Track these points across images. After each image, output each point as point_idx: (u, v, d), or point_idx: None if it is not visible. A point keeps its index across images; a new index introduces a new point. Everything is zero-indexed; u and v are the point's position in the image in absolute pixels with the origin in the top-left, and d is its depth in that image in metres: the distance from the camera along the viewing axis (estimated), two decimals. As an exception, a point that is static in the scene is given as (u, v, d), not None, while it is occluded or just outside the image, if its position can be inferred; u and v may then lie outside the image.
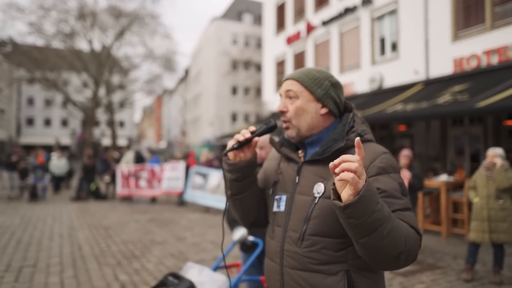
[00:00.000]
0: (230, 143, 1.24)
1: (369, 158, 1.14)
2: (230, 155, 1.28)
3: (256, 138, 1.26)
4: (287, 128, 1.27)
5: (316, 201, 1.16)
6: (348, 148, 1.17)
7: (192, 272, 2.32)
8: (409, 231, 1.03)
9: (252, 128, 1.26)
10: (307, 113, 1.23)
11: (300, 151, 1.31)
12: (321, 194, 1.16)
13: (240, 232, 2.48)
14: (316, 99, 1.23)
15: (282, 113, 1.26)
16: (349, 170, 0.90)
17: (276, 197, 1.30)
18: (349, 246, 1.13)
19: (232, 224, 2.62)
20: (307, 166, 1.24)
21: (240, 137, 1.23)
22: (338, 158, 0.93)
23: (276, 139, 1.52)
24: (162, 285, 2.14)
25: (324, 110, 1.24)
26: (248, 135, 1.23)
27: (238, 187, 1.31)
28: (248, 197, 1.34)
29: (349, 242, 1.12)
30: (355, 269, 1.14)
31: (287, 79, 1.27)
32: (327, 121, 1.26)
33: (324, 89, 1.23)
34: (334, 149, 1.16)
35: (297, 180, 1.24)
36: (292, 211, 1.22)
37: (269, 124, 1.26)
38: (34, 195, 11.47)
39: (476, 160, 9.83)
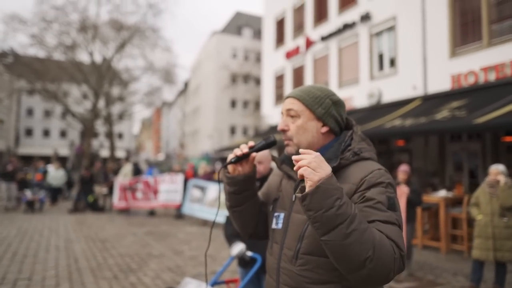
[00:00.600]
0: (230, 157, 1.27)
1: (361, 174, 1.14)
2: (229, 168, 1.31)
3: (254, 154, 1.28)
4: (287, 145, 1.28)
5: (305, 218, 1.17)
6: (342, 167, 1.18)
7: (190, 287, 2.30)
8: (383, 242, 1.00)
9: (251, 143, 1.28)
10: (308, 132, 1.24)
11: None
12: None
13: (239, 247, 2.47)
14: (316, 118, 1.24)
15: (283, 131, 1.28)
16: (302, 165, 1.00)
17: (275, 214, 1.33)
18: None
19: (231, 239, 2.61)
20: (304, 185, 1.25)
21: (238, 151, 1.26)
22: (296, 156, 1.02)
23: (276, 154, 1.55)
24: (161, 300, 2.11)
25: (325, 129, 1.25)
26: (246, 150, 1.26)
27: (236, 199, 1.34)
28: (247, 210, 1.37)
29: None
30: None
31: (288, 97, 1.29)
32: (327, 139, 1.27)
33: (324, 108, 1.24)
34: None
35: (293, 199, 1.27)
36: (288, 229, 1.24)
37: (268, 140, 1.28)
38: (31, 207, 11.39)
39: (474, 176, 9.84)
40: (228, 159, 1.27)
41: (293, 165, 1.32)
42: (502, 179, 4.42)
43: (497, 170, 4.52)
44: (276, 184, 1.40)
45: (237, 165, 1.29)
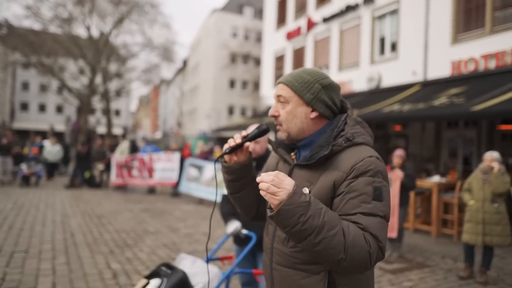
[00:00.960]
0: (225, 147, 1.31)
1: (352, 161, 1.15)
2: (226, 157, 1.35)
3: (247, 143, 1.31)
4: (278, 130, 1.30)
5: None
6: (335, 154, 1.18)
7: (185, 263, 2.35)
8: (356, 241, 1.04)
9: (244, 133, 1.31)
10: (296, 118, 1.24)
11: (293, 153, 1.35)
12: None
13: (234, 225, 2.51)
14: (305, 103, 1.23)
15: (274, 117, 1.29)
16: (262, 190, 1.04)
17: None
18: None
19: (226, 217, 2.65)
20: (297, 170, 1.27)
21: (231, 142, 1.29)
22: (258, 178, 1.06)
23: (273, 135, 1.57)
24: (155, 275, 2.16)
25: (314, 114, 1.24)
26: (239, 140, 1.29)
27: (235, 187, 1.39)
28: (246, 195, 1.41)
29: None
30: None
31: (279, 82, 1.28)
32: (319, 124, 1.26)
33: (313, 93, 1.22)
34: (319, 156, 1.17)
35: None
36: None
37: (261, 128, 1.32)
38: (26, 181, 11.43)
39: (468, 162, 9.94)
40: (224, 149, 1.31)
41: (289, 149, 1.35)
42: (496, 165, 4.48)
43: (491, 157, 4.57)
44: (273, 167, 1.42)
45: (232, 154, 1.33)
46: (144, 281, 2.13)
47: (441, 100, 8.12)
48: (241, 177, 1.36)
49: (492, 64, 8.74)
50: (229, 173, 1.35)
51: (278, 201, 1.02)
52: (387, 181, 1.18)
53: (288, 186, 1.03)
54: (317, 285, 1.15)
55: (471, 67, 9.19)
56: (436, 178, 7.41)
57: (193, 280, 2.18)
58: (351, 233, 1.05)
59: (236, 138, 1.29)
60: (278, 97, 1.26)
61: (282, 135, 1.28)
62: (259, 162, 2.18)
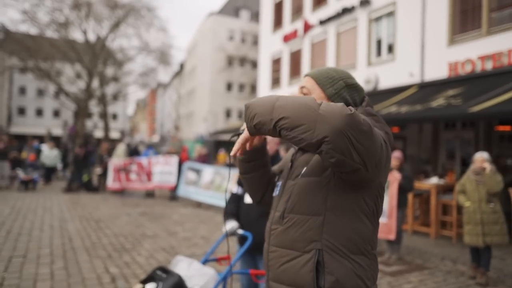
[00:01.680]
0: (242, 128, 1.31)
1: None
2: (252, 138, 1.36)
3: None
4: None
5: (295, 182, 1.27)
6: None
7: (181, 265, 2.33)
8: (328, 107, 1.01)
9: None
10: None
11: None
12: (299, 175, 1.27)
13: (231, 225, 2.52)
14: (327, 97, 1.28)
15: None
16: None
17: (278, 183, 1.42)
18: (323, 226, 1.17)
19: (226, 216, 2.65)
20: (300, 154, 1.34)
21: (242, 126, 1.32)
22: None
23: None
24: (151, 279, 2.15)
25: None
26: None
27: (245, 167, 1.45)
28: (255, 178, 1.46)
29: (322, 220, 1.17)
30: (330, 250, 1.16)
31: (305, 76, 1.36)
32: None
33: (336, 88, 1.29)
34: None
35: (289, 166, 1.37)
36: (282, 195, 1.33)
37: None
38: (25, 185, 11.38)
39: (466, 164, 9.95)
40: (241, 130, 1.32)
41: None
42: (487, 166, 4.51)
43: (482, 157, 4.60)
44: (289, 157, 1.48)
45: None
46: (139, 286, 2.11)
47: (439, 101, 8.15)
48: (252, 159, 1.42)
49: (489, 65, 8.78)
50: (243, 152, 1.39)
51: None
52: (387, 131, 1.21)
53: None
54: (305, 265, 1.16)
55: (468, 69, 9.23)
56: (434, 180, 7.42)
57: (189, 283, 2.16)
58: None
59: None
60: (302, 88, 1.33)
61: None
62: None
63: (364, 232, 1.19)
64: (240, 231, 2.54)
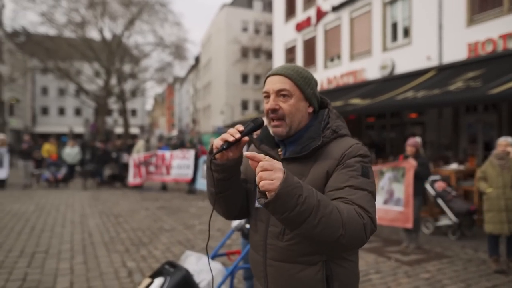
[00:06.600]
0: (217, 143, 1.18)
1: (342, 150, 1.21)
2: (218, 155, 1.21)
3: (245, 138, 1.20)
4: (277, 126, 1.25)
5: None
6: (324, 145, 1.24)
7: (190, 260, 2.36)
8: (351, 214, 1.05)
9: (241, 128, 1.20)
10: (299, 112, 1.26)
11: (279, 149, 1.32)
12: None
13: (238, 220, 2.51)
14: (305, 98, 1.27)
15: (273, 111, 1.24)
16: (258, 181, 0.99)
17: (256, 191, 1.28)
18: None
19: None
20: (286, 164, 1.22)
21: (229, 137, 1.16)
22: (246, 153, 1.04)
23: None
24: (159, 274, 2.18)
25: (311, 109, 1.30)
26: (238, 135, 1.17)
27: (224, 185, 1.27)
28: (233, 194, 1.32)
29: None
30: (334, 259, 1.20)
31: (276, 74, 1.25)
32: (309, 118, 1.31)
33: (312, 88, 1.28)
34: (311, 147, 1.21)
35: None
36: None
37: (257, 122, 1.22)
38: (55, 184, 11.98)
39: (489, 148, 9.61)
40: (216, 145, 1.18)
41: (273, 145, 1.32)
42: (511, 150, 4.31)
43: (506, 141, 4.41)
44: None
45: (228, 151, 1.21)
46: (148, 280, 2.15)
47: (457, 84, 7.86)
48: (232, 175, 1.26)
49: (511, 44, 8.38)
50: (221, 171, 1.23)
51: (275, 185, 0.97)
52: (371, 164, 1.24)
53: (280, 169, 1.00)
54: (315, 276, 1.17)
55: (488, 49, 8.84)
56: (454, 166, 7.21)
57: (197, 278, 2.18)
58: (344, 209, 1.06)
59: (233, 133, 1.17)
60: (280, 90, 1.23)
61: (282, 130, 1.24)
62: None
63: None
64: (248, 226, 2.54)
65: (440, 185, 6.16)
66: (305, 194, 1.00)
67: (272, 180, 0.98)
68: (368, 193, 1.14)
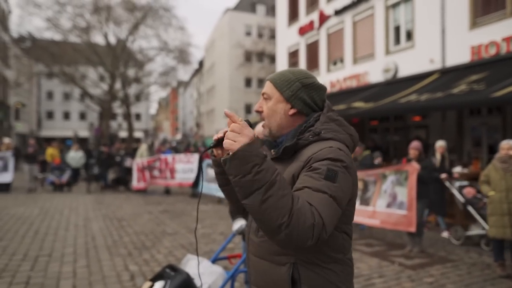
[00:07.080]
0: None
1: (311, 153, 1.18)
2: (215, 150, 1.32)
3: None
4: (263, 126, 1.34)
5: None
6: (301, 148, 1.23)
7: (191, 263, 2.36)
8: (304, 209, 1.02)
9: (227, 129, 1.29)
10: (276, 114, 1.29)
11: (273, 151, 1.36)
12: None
13: (239, 223, 2.51)
14: (285, 99, 1.28)
15: (258, 113, 1.34)
16: (226, 137, 1.08)
17: None
18: None
19: (233, 215, 2.65)
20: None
21: (215, 136, 1.28)
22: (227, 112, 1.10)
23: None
24: (159, 277, 2.18)
25: (292, 111, 1.28)
26: (221, 134, 1.25)
27: (222, 179, 1.39)
28: (233, 188, 1.37)
29: None
30: (303, 262, 1.18)
31: (266, 79, 1.35)
32: (297, 121, 1.30)
33: (292, 90, 1.27)
34: (282, 148, 1.24)
35: None
36: None
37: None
38: (60, 188, 12.06)
39: (494, 151, 9.54)
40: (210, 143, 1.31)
41: (272, 147, 1.36)
42: None
43: (509, 144, 4.39)
44: None
45: (218, 148, 1.31)
46: (149, 283, 2.15)
47: (461, 87, 7.83)
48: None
49: (514, 47, 8.35)
50: (216, 165, 1.36)
51: (235, 146, 1.04)
52: (351, 173, 1.17)
53: (249, 134, 1.06)
54: (283, 276, 1.18)
55: (492, 51, 8.81)
56: (457, 169, 7.17)
57: (198, 281, 2.18)
58: (300, 202, 1.04)
59: (219, 133, 1.27)
60: (263, 94, 1.33)
61: (265, 131, 1.33)
62: None
63: (335, 243, 1.20)
64: None
65: (469, 191, 5.83)
66: (263, 167, 1.03)
67: (235, 141, 1.05)
68: (328, 196, 1.08)
